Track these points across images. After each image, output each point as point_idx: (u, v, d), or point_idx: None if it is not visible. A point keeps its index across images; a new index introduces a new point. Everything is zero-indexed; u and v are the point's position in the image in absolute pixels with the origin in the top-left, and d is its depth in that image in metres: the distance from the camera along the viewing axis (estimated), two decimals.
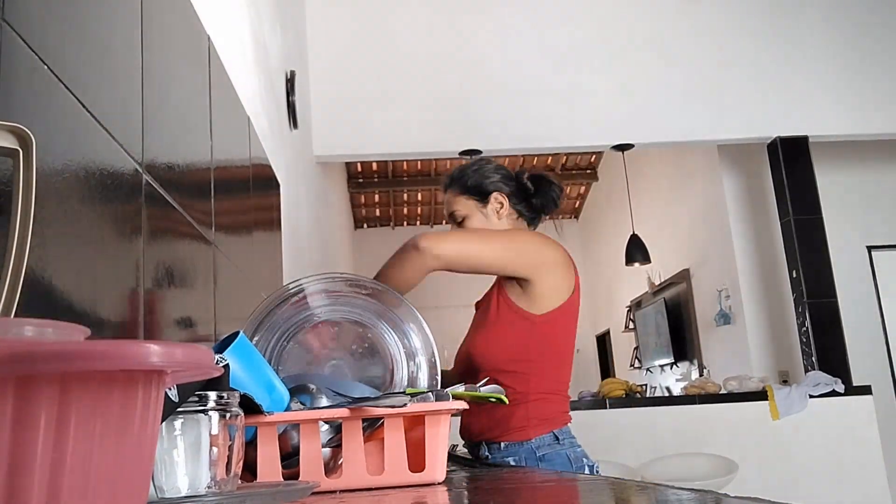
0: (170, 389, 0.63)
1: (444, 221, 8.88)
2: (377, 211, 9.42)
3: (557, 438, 1.75)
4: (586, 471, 1.74)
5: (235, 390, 0.77)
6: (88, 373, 0.36)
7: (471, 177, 1.91)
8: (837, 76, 4.74)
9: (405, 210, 9.46)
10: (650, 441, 4.15)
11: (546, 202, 1.92)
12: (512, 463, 1.74)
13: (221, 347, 0.93)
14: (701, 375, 6.05)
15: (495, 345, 1.77)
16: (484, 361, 1.76)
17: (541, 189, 1.92)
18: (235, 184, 1.66)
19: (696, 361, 6.47)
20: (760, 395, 4.25)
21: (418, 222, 9.73)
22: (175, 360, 0.38)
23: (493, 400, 1.19)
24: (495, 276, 1.87)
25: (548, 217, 1.97)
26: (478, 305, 1.92)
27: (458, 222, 1.91)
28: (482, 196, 1.89)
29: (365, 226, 9.67)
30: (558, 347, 1.80)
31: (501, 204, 1.89)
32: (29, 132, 0.49)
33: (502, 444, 1.76)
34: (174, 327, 1.11)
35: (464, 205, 1.90)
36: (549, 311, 1.76)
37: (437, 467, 0.98)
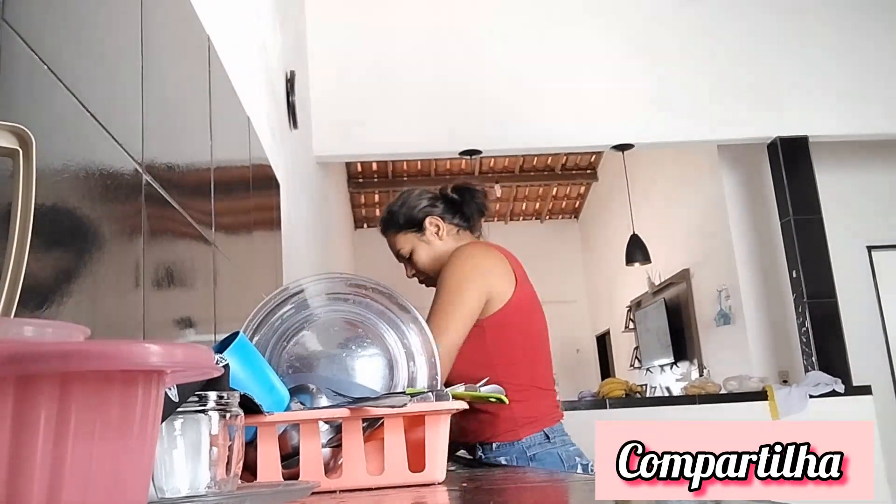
0: (170, 389, 0.63)
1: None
2: (377, 211, 9.42)
3: (548, 437, 1.76)
4: (579, 470, 1.75)
5: (235, 390, 0.77)
6: (88, 373, 0.36)
7: (399, 213, 1.95)
8: (837, 76, 4.74)
9: None
10: None
11: (472, 210, 1.97)
12: (503, 462, 1.75)
13: (221, 347, 0.93)
14: (701, 375, 6.05)
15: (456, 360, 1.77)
16: (453, 378, 1.76)
17: (465, 198, 1.96)
18: (235, 184, 1.67)
19: (696, 361, 6.47)
20: (760, 395, 4.25)
21: None
22: (175, 360, 0.38)
23: (494, 399, 1.19)
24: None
25: (483, 220, 2.01)
26: None
27: (408, 259, 1.95)
28: (417, 226, 1.93)
29: (365, 226, 9.67)
30: (518, 344, 1.80)
31: (437, 226, 1.92)
32: (29, 132, 0.49)
33: (494, 445, 1.77)
34: (174, 327, 1.11)
35: (405, 241, 1.94)
36: (493, 312, 1.77)
37: (437, 467, 0.98)
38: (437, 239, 1.92)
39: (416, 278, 1.99)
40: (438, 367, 1.17)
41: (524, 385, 1.78)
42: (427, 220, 1.92)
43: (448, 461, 1.05)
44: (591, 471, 1.79)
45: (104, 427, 0.37)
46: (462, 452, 1.96)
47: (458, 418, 1.82)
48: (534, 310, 1.87)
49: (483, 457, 1.80)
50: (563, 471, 1.72)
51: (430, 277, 1.94)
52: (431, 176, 8.48)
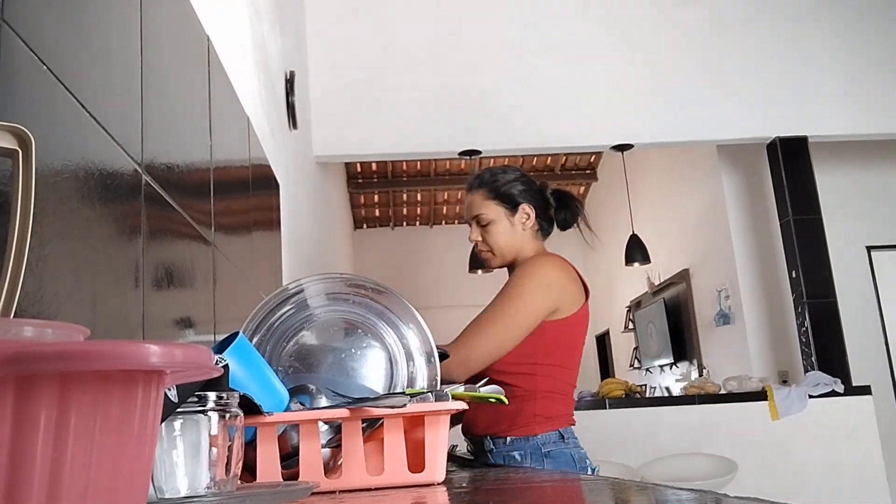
0: (169, 389, 0.63)
1: (456, 221, 8.77)
2: (377, 211, 9.42)
3: (563, 437, 1.78)
4: (589, 472, 1.76)
5: (235, 391, 0.76)
6: (88, 373, 0.36)
7: (503, 184, 1.95)
8: (837, 76, 4.74)
9: (405, 210, 9.46)
10: (650, 441, 4.15)
11: (564, 219, 1.98)
12: (517, 457, 1.77)
13: (221, 348, 0.93)
14: (701, 375, 6.05)
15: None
16: (495, 366, 1.79)
17: (562, 206, 1.98)
18: (235, 184, 1.66)
19: (696, 361, 6.47)
20: (760, 395, 4.25)
21: (418, 222, 9.72)
22: (174, 361, 0.38)
23: (493, 400, 1.19)
24: (506, 275, 1.90)
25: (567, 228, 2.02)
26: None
27: (483, 225, 1.94)
28: (512, 205, 1.93)
29: (365, 226, 9.67)
30: (566, 352, 1.84)
31: (528, 216, 1.93)
32: (29, 132, 0.50)
33: (508, 439, 1.78)
34: (174, 327, 1.11)
35: (493, 210, 1.93)
36: (558, 319, 1.80)
37: (436, 467, 0.98)
38: (521, 227, 1.93)
39: (476, 245, 1.99)
40: (438, 368, 1.17)
41: (555, 388, 1.81)
42: (523, 205, 1.93)
43: (448, 461, 1.05)
44: (597, 474, 1.81)
45: (104, 427, 0.37)
46: (462, 452, 1.96)
47: (471, 410, 1.84)
48: (586, 325, 1.90)
49: (493, 449, 1.80)
50: (576, 470, 1.74)
51: (490, 253, 1.95)
52: (431, 176, 8.48)
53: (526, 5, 4.75)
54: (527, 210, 1.93)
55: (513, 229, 1.93)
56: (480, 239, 1.96)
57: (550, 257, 1.90)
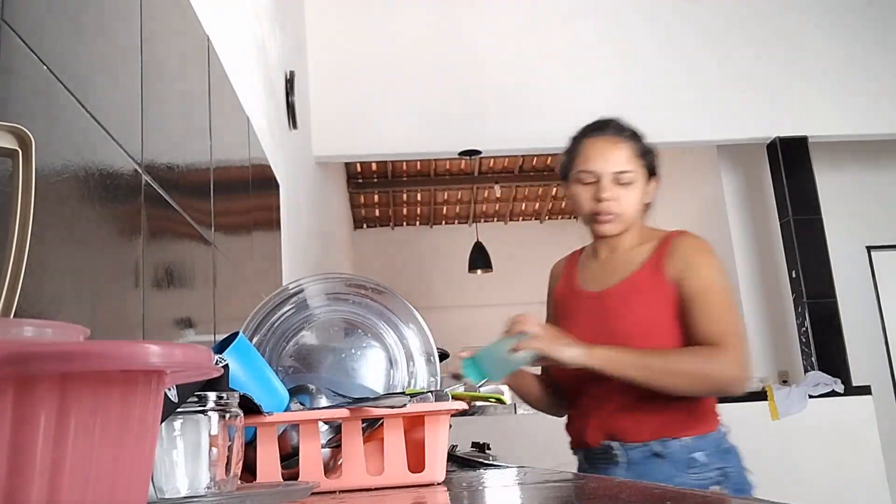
0: (169, 390, 0.63)
1: (456, 221, 8.67)
2: (377, 211, 9.41)
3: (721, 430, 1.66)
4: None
5: (235, 391, 0.77)
6: (88, 373, 0.36)
7: (648, 147, 1.74)
8: (837, 76, 4.74)
9: (405, 210, 9.45)
10: None
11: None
12: (701, 458, 1.59)
13: (221, 348, 0.93)
14: None
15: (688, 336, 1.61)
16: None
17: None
18: (235, 184, 1.66)
19: None
20: (760, 395, 4.25)
21: (418, 222, 9.72)
22: (174, 361, 0.38)
23: (494, 400, 1.19)
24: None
25: None
26: (608, 294, 1.69)
27: (623, 184, 1.67)
28: (651, 173, 1.73)
29: (365, 226, 9.66)
30: None
31: (655, 191, 1.76)
32: (29, 132, 0.50)
33: (685, 439, 1.58)
34: (174, 327, 1.11)
35: (639, 171, 1.70)
36: None
37: (436, 468, 0.98)
38: (647, 198, 1.73)
39: (597, 205, 1.69)
40: (438, 368, 1.17)
41: None
42: (656, 178, 1.74)
43: (448, 461, 1.05)
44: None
45: (104, 427, 0.37)
46: (462, 452, 1.95)
47: (619, 416, 1.58)
48: None
49: (662, 453, 1.57)
50: (744, 467, 1.65)
51: (613, 217, 1.68)
52: (431, 176, 8.47)
53: (526, 5, 4.75)
54: (657, 184, 1.73)
55: (641, 200, 1.70)
56: (616, 199, 1.67)
57: (705, 240, 1.75)
